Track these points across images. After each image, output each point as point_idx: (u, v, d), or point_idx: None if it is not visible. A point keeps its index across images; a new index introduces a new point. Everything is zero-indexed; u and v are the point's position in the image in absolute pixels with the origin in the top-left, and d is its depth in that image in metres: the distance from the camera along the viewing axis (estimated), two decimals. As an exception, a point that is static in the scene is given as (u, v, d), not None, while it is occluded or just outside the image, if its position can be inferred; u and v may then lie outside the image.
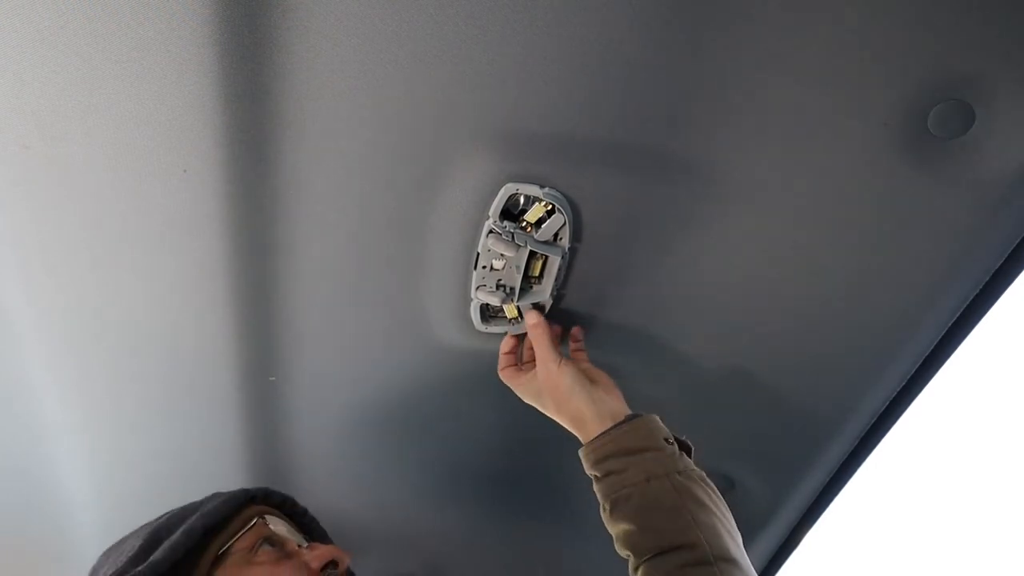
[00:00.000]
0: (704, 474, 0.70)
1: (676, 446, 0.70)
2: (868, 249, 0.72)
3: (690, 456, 0.72)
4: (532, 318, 0.77)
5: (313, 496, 1.04)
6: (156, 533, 0.66)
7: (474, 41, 0.59)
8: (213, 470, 0.99)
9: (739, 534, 0.67)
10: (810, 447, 0.94)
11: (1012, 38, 0.57)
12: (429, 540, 1.15)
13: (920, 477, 1.16)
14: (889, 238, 0.70)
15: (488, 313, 0.81)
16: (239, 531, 0.69)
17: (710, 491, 0.68)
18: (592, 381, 0.75)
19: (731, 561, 0.63)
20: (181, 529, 0.65)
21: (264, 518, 0.73)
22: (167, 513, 0.72)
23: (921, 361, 0.80)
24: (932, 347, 0.79)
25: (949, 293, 0.73)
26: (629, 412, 0.73)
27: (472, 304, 0.79)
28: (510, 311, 0.79)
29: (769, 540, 1.10)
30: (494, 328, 0.81)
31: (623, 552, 0.67)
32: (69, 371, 0.87)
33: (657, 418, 0.72)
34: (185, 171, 0.66)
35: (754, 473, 0.99)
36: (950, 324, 0.76)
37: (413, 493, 1.07)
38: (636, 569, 0.65)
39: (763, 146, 0.66)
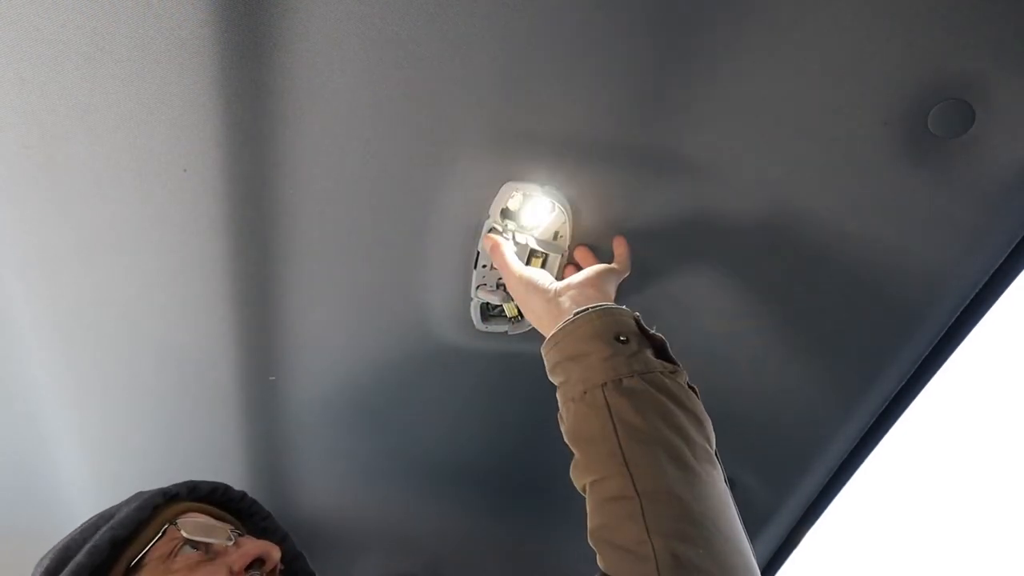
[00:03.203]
0: (674, 374, 0.59)
1: (634, 342, 0.60)
2: (868, 248, 0.72)
3: (662, 353, 0.62)
4: (488, 241, 0.71)
5: (313, 495, 1.04)
6: (65, 551, 0.62)
7: (474, 41, 0.59)
8: (213, 469, 0.98)
9: (708, 463, 0.56)
10: (810, 447, 0.94)
11: (1012, 38, 0.57)
12: (429, 540, 1.15)
13: (920, 477, 1.16)
14: (888, 237, 0.70)
15: (488, 312, 0.81)
16: (151, 540, 0.63)
17: (664, 402, 0.57)
18: (557, 280, 0.68)
19: (663, 496, 0.52)
20: (86, 548, 0.60)
21: (177, 523, 0.66)
22: (84, 523, 0.67)
23: (921, 361, 0.80)
24: (932, 347, 0.79)
25: (949, 293, 0.73)
26: (591, 304, 0.63)
27: (472, 303, 0.79)
28: (510, 310, 0.79)
29: (769, 540, 1.10)
30: (494, 327, 0.81)
31: (570, 474, 0.60)
32: (69, 370, 0.87)
33: (613, 309, 0.62)
34: (185, 171, 0.66)
35: (754, 473, 0.99)
36: (950, 324, 0.76)
37: (413, 492, 1.07)
38: (584, 492, 0.59)
39: (762, 145, 0.66)
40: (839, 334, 0.80)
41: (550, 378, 0.65)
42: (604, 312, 0.62)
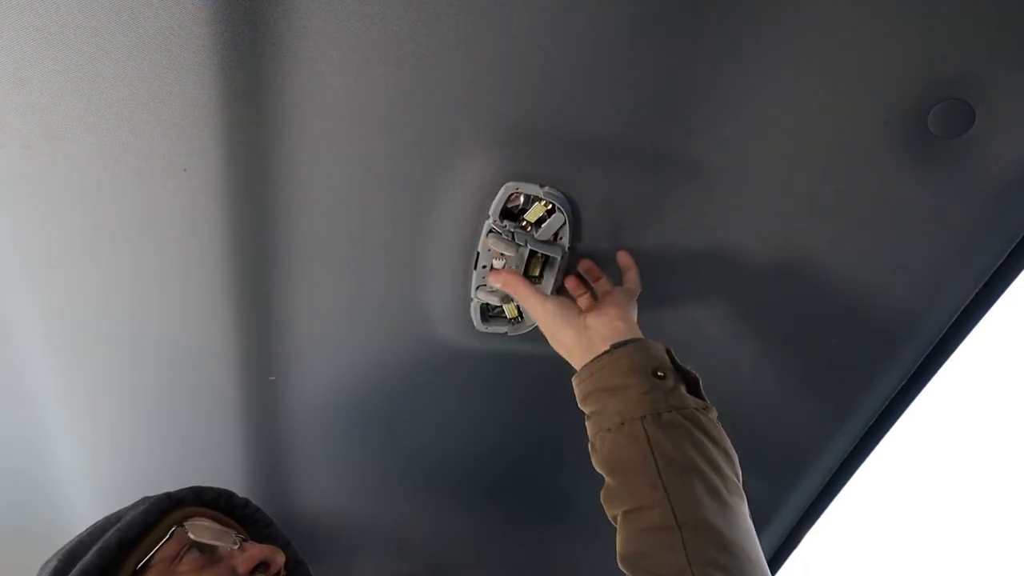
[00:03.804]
0: (706, 410, 0.62)
1: (671, 379, 0.62)
2: (867, 249, 0.72)
3: (695, 390, 0.64)
4: (498, 279, 0.73)
5: (312, 495, 1.04)
6: (73, 552, 0.63)
7: (474, 41, 0.59)
8: (214, 470, 0.99)
9: (738, 496, 0.59)
10: (810, 447, 0.94)
11: (1012, 38, 0.57)
12: (429, 540, 1.15)
13: (920, 477, 1.16)
14: (888, 238, 0.70)
15: (488, 313, 0.81)
16: (158, 542, 0.65)
17: (700, 437, 0.60)
18: (585, 309, 0.70)
19: (702, 526, 0.55)
20: (94, 548, 0.62)
21: (184, 525, 0.67)
22: (91, 525, 0.68)
23: (921, 361, 0.80)
24: (932, 347, 0.79)
25: (949, 293, 0.73)
26: (625, 338, 0.65)
27: (472, 304, 0.79)
28: (510, 311, 0.79)
29: (769, 540, 1.10)
30: (494, 328, 0.81)
31: (602, 501, 0.62)
32: (69, 370, 0.87)
33: (649, 344, 0.65)
34: (185, 171, 0.66)
35: (754, 473, 0.99)
36: (950, 324, 0.76)
37: (413, 493, 1.07)
38: (615, 521, 0.61)
39: (763, 145, 0.66)
40: (839, 334, 0.80)
41: (580, 406, 0.67)
42: (640, 348, 0.64)
